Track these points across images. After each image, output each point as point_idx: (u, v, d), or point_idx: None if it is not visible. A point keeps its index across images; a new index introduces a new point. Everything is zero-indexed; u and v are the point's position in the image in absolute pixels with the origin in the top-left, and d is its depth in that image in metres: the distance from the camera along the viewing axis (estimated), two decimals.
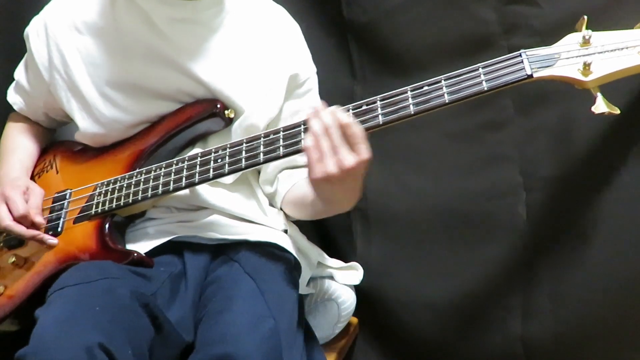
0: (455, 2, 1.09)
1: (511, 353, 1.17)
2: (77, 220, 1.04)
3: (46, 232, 1.05)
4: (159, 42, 1.02)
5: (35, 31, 1.08)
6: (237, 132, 1.04)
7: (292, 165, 1.07)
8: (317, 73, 1.13)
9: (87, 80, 1.05)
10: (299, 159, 1.02)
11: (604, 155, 1.04)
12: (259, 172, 1.11)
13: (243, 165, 0.93)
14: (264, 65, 1.07)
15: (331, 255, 1.19)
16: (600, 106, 0.77)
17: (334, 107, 0.85)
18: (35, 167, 1.16)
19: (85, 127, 1.07)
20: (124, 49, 1.04)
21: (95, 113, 1.05)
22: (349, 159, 0.82)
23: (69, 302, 0.84)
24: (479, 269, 1.18)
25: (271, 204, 1.11)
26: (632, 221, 1.04)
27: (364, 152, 0.82)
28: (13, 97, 1.17)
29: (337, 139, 0.82)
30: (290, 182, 1.06)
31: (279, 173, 1.08)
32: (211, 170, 0.96)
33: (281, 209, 1.10)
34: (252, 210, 1.07)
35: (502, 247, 1.16)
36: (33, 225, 1.03)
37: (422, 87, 0.85)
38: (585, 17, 0.80)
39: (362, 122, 0.86)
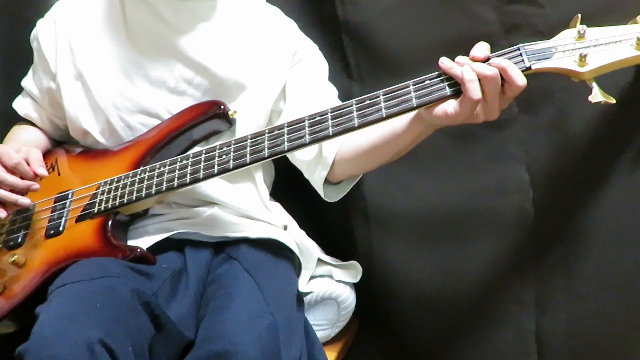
0: (454, 2, 1.10)
1: (523, 348, 1.16)
2: (79, 219, 1.04)
3: (47, 230, 1.05)
4: (164, 30, 1.06)
5: (44, 29, 1.13)
6: (243, 113, 1.07)
7: None
8: None
9: (91, 67, 1.09)
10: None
11: (609, 150, 1.05)
12: (262, 167, 1.13)
13: (248, 160, 0.94)
14: (263, 46, 1.11)
15: (333, 255, 1.19)
16: (597, 95, 0.80)
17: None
18: None
19: (84, 115, 1.09)
20: (130, 38, 1.08)
21: (96, 99, 1.08)
22: (496, 113, 0.84)
23: (70, 299, 0.84)
24: (487, 266, 1.18)
25: (271, 199, 1.12)
26: None
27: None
28: (19, 103, 1.19)
29: (498, 89, 0.82)
30: (337, 140, 1.01)
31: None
32: (216, 165, 0.97)
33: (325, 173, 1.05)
34: (253, 205, 1.08)
35: (510, 244, 1.16)
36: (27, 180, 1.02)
37: (423, 81, 0.87)
38: (579, 15, 0.84)
39: (366, 115, 0.88)
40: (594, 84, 0.81)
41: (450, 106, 0.84)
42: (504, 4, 1.07)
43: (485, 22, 1.09)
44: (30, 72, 1.18)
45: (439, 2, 1.12)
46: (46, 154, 1.19)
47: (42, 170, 1.02)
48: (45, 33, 1.12)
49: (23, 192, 1.02)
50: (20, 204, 1.01)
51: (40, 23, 1.15)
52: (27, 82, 1.18)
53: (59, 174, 1.14)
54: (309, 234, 1.15)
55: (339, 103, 1.07)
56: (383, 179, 1.08)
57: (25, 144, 1.13)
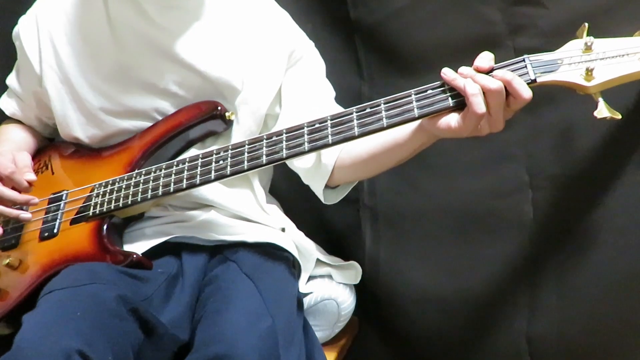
0: (461, 3, 1.10)
1: (515, 349, 1.18)
2: (74, 222, 1.03)
3: (42, 233, 1.04)
4: (151, 30, 1.02)
5: (26, 27, 1.09)
6: (238, 115, 1.04)
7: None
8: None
9: (77, 71, 1.05)
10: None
11: (610, 153, 1.06)
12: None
13: (245, 167, 0.93)
14: (257, 46, 1.07)
15: (338, 254, 1.19)
16: (603, 111, 0.78)
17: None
18: None
19: (74, 121, 1.07)
20: (115, 39, 1.04)
21: (85, 104, 1.05)
22: (500, 125, 0.82)
23: (52, 307, 0.83)
24: (486, 267, 1.19)
25: (268, 201, 1.11)
26: (638, 219, 1.05)
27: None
28: (5, 103, 1.16)
29: (502, 103, 0.80)
30: (337, 148, 0.98)
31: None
32: (213, 171, 0.95)
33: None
34: (250, 208, 1.07)
35: (509, 245, 1.17)
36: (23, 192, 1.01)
37: (425, 91, 0.85)
38: (586, 24, 0.81)
39: (366, 124, 0.87)
40: (600, 99, 0.79)
41: (453, 120, 0.82)
42: (509, 5, 1.07)
43: (491, 23, 1.08)
44: (14, 70, 1.15)
45: (446, 4, 1.11)
46: (39, 152, 1.17)
47: (30, 176, 1.00)
48: (26, 31, 1.08)
49: (21, 206, 1.01)
50: (22, 219, 1.01)
51: (21, 20, 1.10)
52: (11, 80, 1.15)
53: (53, 173, 1.12)
54: (314, 233, 1.14)
55: (336, 105, 1.05)
56: (393, 178, 1.08)
57: (15, 144, 1.11)
